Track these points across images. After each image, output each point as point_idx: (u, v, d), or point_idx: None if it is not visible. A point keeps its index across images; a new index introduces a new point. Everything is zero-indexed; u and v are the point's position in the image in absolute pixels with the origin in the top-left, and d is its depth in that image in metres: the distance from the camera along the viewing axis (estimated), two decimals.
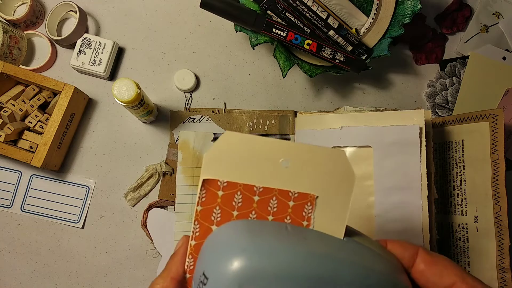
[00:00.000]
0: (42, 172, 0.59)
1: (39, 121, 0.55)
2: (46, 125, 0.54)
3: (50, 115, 0.54)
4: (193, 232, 0.26)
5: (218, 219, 0.25)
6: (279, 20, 0.55)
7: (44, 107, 0.57)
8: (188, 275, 0.25)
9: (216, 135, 0.58)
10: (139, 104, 0.51)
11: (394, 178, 0.50)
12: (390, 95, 0.63)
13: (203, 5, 0.51)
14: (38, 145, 0.53)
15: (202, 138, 0.58)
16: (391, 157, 0.50)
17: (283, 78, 0.56)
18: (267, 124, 0.60)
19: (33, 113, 0.55)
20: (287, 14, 0.54)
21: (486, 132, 0.50)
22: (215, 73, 0.62)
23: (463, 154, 0.53)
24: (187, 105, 0.61)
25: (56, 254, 0.58)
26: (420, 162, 0.49)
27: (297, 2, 0.54)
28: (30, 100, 0.55)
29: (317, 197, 0.25)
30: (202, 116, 0.60)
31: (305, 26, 0.56)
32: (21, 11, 0.59)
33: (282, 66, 0.55)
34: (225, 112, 0.61)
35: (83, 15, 0.59)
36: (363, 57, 0.58)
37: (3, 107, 0.54)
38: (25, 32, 0.60)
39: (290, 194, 0.26)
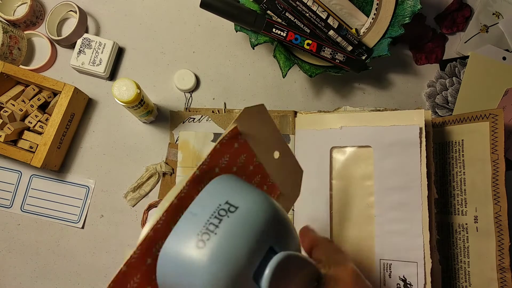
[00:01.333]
0: (42, 172, 0.59)
1: (39, 121, 0.55)
2: (46, 125, 0.54)
3: (50, 115, 0.54)
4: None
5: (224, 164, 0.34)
6: (279, 20, 0.55)
7: (44, 107, 0.57)
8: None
9: (216, 135, 0.58)
10: (139, 104, 0.51)
11: (394, 178, 0.50)
12: (390, 95, 0.63)
13: (203, 5, 0.51)
14: (38, 145, 0.53)
15: (202, 138, 0.58)
16: (391, 157, 0.50)
17: (283, 78, 0.56)
18: None
19: (33, 113, 0.55)
20: (287, 14, 0.54)
21: (486, 132, 0.50)
22: (215, 73, 0.62)
23: (463, 154, 0.53)
24: (187, 105, 0.61)
25: (56, 254, 0.58)
26: (420, 162, 0.49)
27: (297, 2, 0.54)
28: (30, 100, 0.55)
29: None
30: (202, 116, 0.60)
31: (305, 26, 0.56)
32: (21, 11, 0.59)
33: (282, 66, 0.55)
34: (225, 112, 0.61)
35: (83, 15, 0.59)
36: (363, 57, 0.58)
37: (3, 107, 0.54)
38: (25, 32, 0.60)
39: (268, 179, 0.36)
